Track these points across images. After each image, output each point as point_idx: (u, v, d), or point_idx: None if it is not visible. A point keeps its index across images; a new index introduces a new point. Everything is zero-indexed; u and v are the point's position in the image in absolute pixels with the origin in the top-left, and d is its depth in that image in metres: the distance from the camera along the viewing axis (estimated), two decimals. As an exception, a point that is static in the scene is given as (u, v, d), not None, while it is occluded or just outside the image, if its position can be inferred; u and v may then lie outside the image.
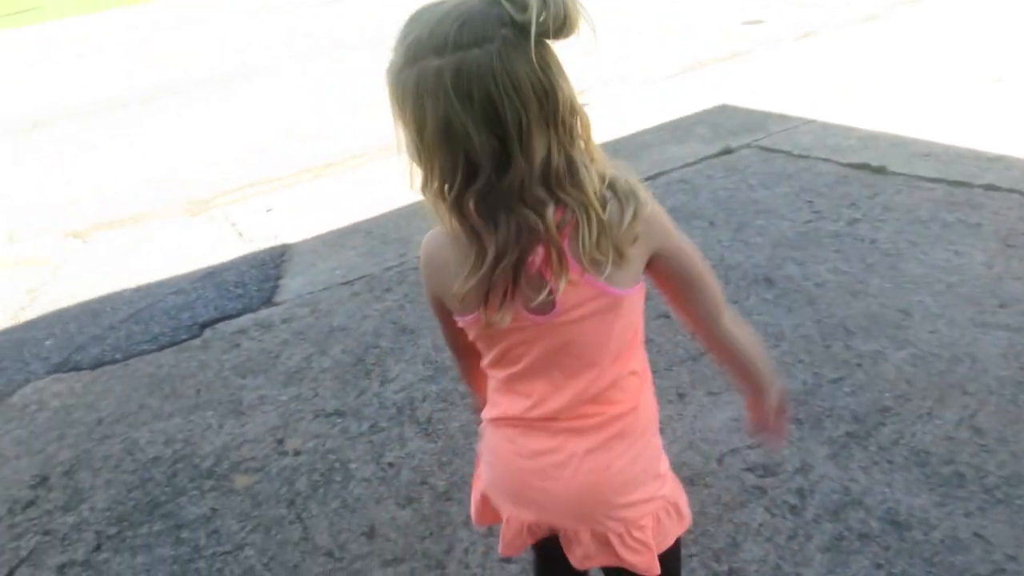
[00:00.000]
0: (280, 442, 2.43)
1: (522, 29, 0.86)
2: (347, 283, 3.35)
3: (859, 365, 2.37)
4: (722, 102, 4.83)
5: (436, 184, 0.95)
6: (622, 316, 1.04)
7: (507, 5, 0.87)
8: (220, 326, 3.16)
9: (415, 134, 0.93)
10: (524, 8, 0.86)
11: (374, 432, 2.41)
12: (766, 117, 4.46)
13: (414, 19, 0.92)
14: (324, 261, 3.61)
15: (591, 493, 1.11)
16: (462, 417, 2.40)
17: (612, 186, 0.98)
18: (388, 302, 3.15)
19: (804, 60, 5.56)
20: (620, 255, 0.98)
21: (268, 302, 3.31)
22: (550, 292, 0.97)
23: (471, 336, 1.09)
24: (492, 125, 0.89)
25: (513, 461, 1.14)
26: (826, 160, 3.79)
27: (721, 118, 4.58)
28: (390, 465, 2.27)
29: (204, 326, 3.18)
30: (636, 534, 1.13)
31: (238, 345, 3.00)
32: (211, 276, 3.61)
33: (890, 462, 2.01)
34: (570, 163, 0.93)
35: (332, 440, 2.40)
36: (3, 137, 6.35)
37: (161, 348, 3.06)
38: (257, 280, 3.51)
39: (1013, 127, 3.86)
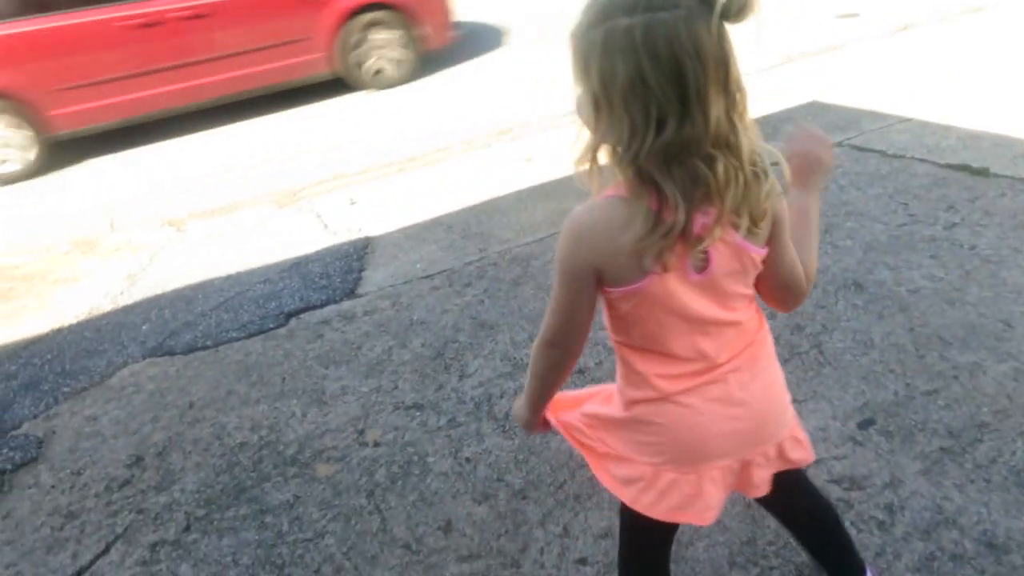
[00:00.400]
0: (360, 433, 2.48)
1: (706, 2, 0.96)
2: (428, 277, 3.39)
3: (955, 377, 2.27)
4: (813, 98, 4.68)
5: (614, 138, 1.03)
6: (756, 268, 1.16)
7: None
8: (305, 316, 3.25)
9: (601, 90, 1.01)
10: None
11: (452, 427, 2.44)
12: (859, 115, 4.30)
13: None
14: (405, 254, 3.66)
15: (771, 412, 1.26)
16: (539, 415, 2.40)
17: (755, 163, 1.07)
18: (468, 297, 3.17)
19: (901, 55, 5.33)
20: (755, 224, 1.09)
21: (351, 294, 3.38)
22: (705, 248, 1.07)
23: (627, 307, 1.14)
24: (675, 83, 0.97)
25: (694, 420, 1.20)
26: (923, 160, 3.63)
27: (811, 115, 4.44)
28: (467, 460, 2.29)
29: (290, 316, 3.27)
30: (796, 433, 1.31)
31: (321, 335, 3.08)
32: (297, 267, 3.71)
33: (987, 481, 1.92)
34: (733, 129, 1.02)
35: (411, 433, 2.44)
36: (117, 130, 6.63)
37: (249, 336, 3.17)
38: (341, 272, 3.59)
39: None
